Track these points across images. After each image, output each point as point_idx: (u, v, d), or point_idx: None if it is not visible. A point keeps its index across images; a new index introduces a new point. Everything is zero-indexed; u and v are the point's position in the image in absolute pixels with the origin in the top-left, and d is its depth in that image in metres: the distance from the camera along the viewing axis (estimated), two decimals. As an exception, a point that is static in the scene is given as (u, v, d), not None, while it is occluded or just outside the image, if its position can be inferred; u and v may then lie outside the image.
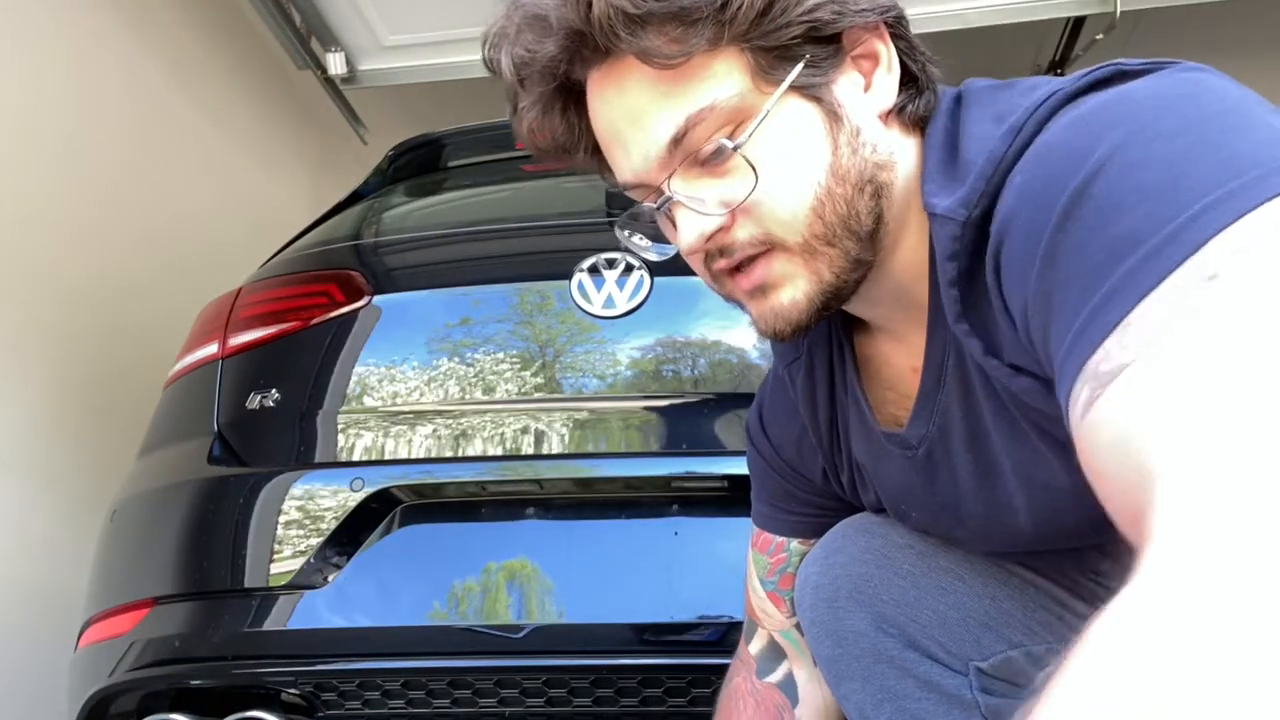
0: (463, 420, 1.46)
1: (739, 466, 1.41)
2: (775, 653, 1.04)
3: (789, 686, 1.03)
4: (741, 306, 0.76)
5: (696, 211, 0.70)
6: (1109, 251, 0.53)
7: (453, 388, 1.49)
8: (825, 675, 0.98)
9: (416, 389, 1.50)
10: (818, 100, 0.70)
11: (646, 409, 1.45)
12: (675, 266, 1.52)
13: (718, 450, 1.39)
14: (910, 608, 0.92)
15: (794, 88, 0.69)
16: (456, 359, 1.50)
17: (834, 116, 0.70)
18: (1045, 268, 0.57)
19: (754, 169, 0.68)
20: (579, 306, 1.46)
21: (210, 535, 1.46)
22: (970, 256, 0.67)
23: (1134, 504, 0.46)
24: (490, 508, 1.43)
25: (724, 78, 0.68)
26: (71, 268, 2.55)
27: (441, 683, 1.35)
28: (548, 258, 1.59)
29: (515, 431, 1.45)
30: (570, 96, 0.74)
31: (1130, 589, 0.39)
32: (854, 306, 0.80)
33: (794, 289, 0.71)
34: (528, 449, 1.44)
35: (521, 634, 1.30)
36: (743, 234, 0.70)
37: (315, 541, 1.39)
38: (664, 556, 1.32)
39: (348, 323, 1.54)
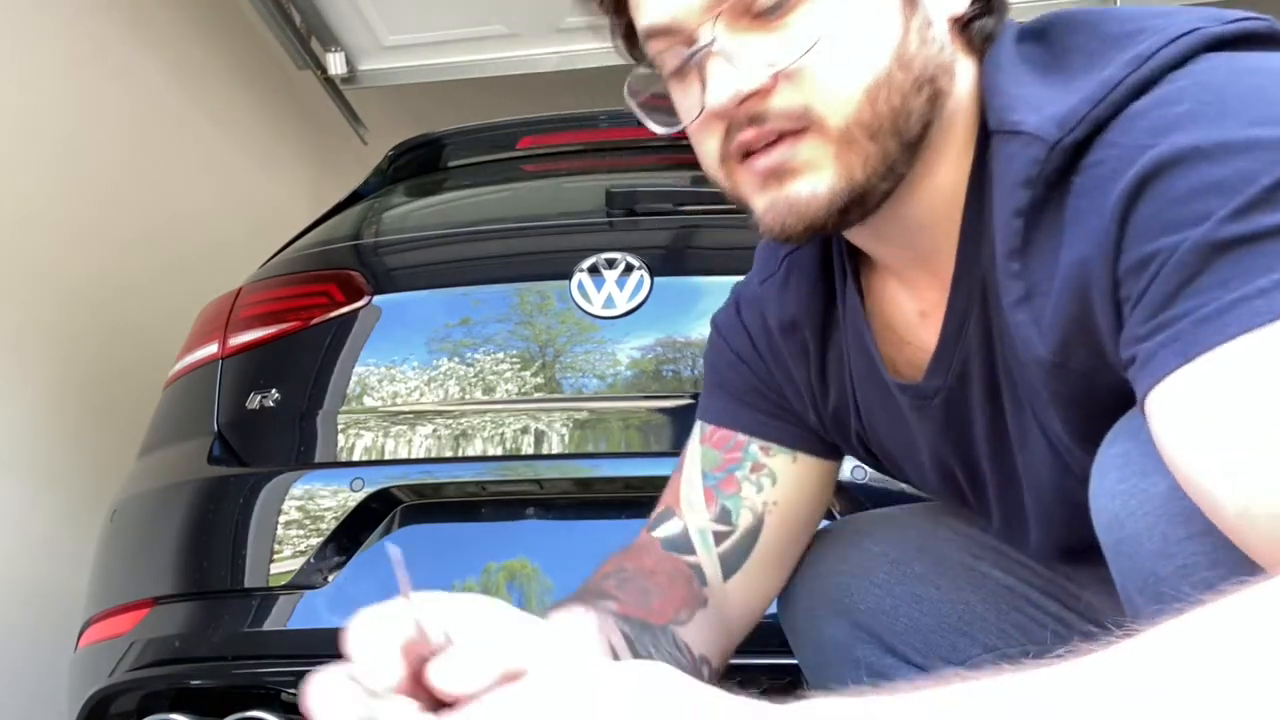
0: (463, 420, 1.46)
1: (739, 466, 1.41)
2: (683, 545, 0.87)
3: (697, 571, 0.87)
4: (744, 205, 0.68)
5: (735, 67, 0.61)
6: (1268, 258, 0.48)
7: (453, 388, 1.49)
8: (809, 680, 0.98)
9: (416, 389, 1.50)
10: None
11: (646, 409, 1.45)
12: (675, 267, 1.53)
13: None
14: (886, 615, 0.92)
15: None
16: (456, 359, 1.49)
17: (909, 1, 0.63)
18: (1236, 218, 0.50)
19: (817, 26, 0.60)
20: (579, 306, 1.46)
21: (210, 535, 1.46)
22: (1046, 186, 0.60)
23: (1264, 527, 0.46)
24: (490, 508, 1.43)
25: None
26: (71, 267, 2.55)
27: (441, 683, 1.35)
28: (548, 258, 1.59)
29: (515, 431, 1.45)
30: None
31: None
32: (861, 238, 0.73)
33: (816, 179, 0.63)
34: (528, 449, 1.44)
35: (521, 634, 1.30)
36: (781, 102, 0.62)
37: (315, 541, 1.39)
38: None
39: (348, 323, 1.54)
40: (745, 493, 0.86)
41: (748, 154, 0.64)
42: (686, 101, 0.66)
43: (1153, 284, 0.53)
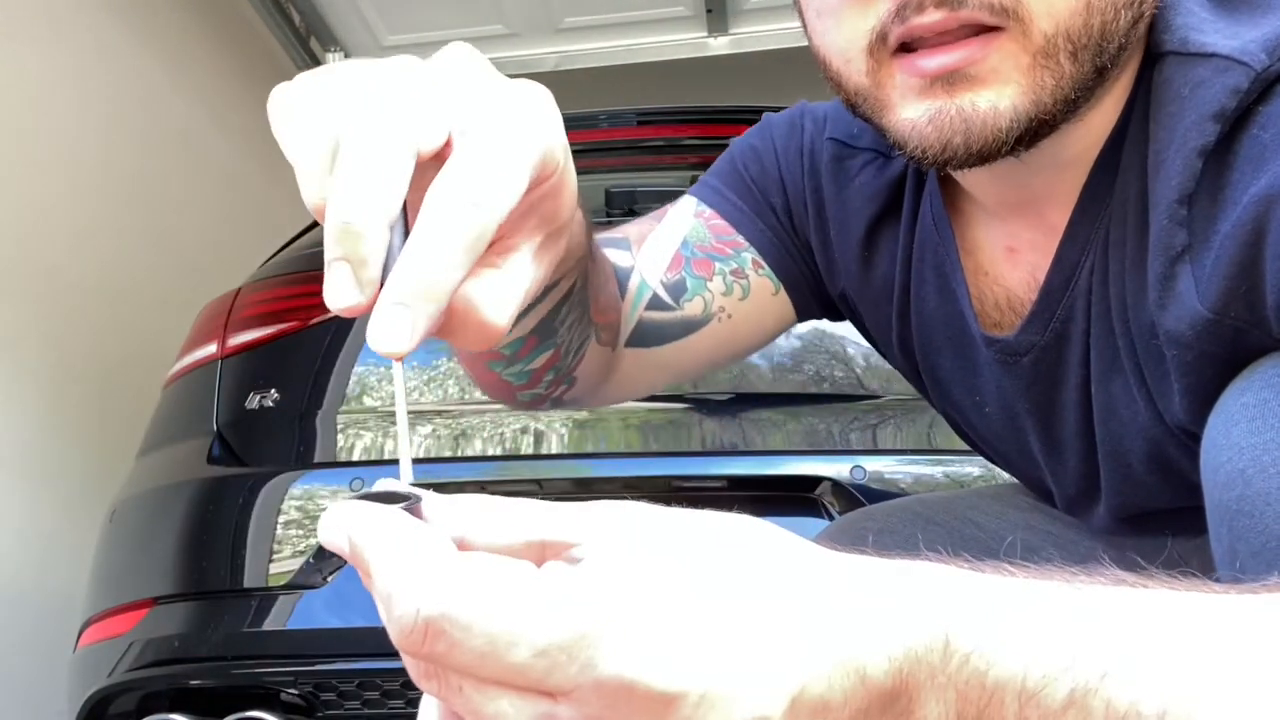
0: (462, 420, 1.46)
1: (739, 467, 1.41)
2: (620, 274, 0.75)
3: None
4: (878, 110, 0.57)
5: None
6: None
7: (452, 388, 1.49)
8: None
9: (416, 389, 1.50)
10: None
11: (646, 409, 1.45)
12: (675, 266, 1.53)
13: (718, 450, 1.39)
14: None
15: None
16: (456, 359, 1.50)
17: None
18: None
19: None
20: (578, 306, 1.46)
21: (210, 535, 1.46)
22: (1238, 121, 0.51)
23: None
24: (490, 508, 1.43)
25: None
26: (71, 267, 2.55)
27: (441, 683, 1.35)
28: (547, 258, 1.58)
29: (515, 431, 1.45)
30: None
31: None
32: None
33: (999, 94, 0.53)
34: (527, 449, 1.44)
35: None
36: None
37: (314, 541, 1.39)
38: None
39: (347, 323, 1.54)
40: (713, 285, 0.76)
41: (908, 48, 0.54)
42: None
43: None
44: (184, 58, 3.09)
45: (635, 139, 1.99)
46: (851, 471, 1.30)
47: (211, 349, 1.63)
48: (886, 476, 1.34)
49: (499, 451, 1.44)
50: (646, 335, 0.75)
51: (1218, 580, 0.40)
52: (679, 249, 0.76)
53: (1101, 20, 0.53)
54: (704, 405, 1.43)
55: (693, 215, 0.78)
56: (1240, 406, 0.53)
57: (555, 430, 1.44)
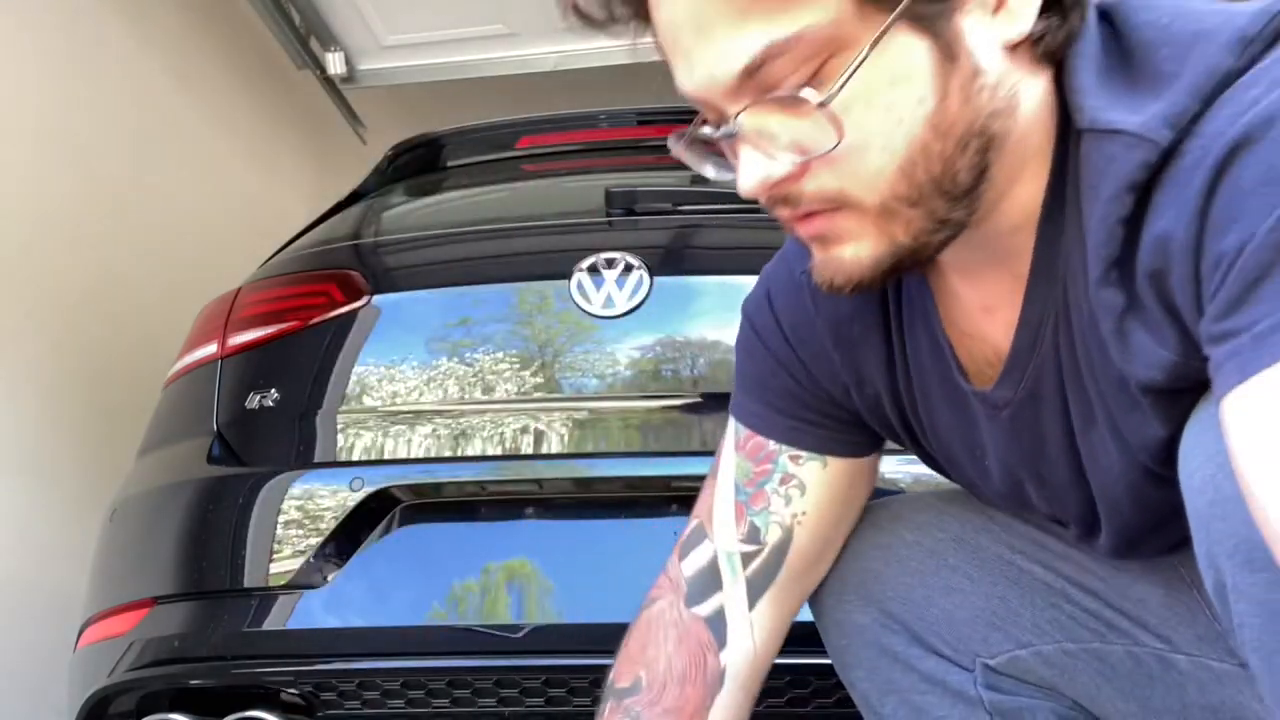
0: (462, 420, 1.46)
1: (738, 466, 1.41)
2: (711, 579, 0.87)
3: (717, 624, 0.87)
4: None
5: (763, 154, 0.59)
6: None
7: (452, 388, 1.48)
8: (833, 661, 0.96)
9: (416, 389, 1.49)
10: (932, 35, 0.56)
11: (646, 409, 1.45)
12: (675, 266, 1.53)
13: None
14: (916, 605, 0.91)
15: (906, 17, 0.55)
16: (456, 359, 1.49)
17: (949, 55, 0.57)
18: (1270, 242, 0.48)
19: (839, 127, 0.56)
20: (578, 306, 1.46)
21: (210, 535, 1.46)
22: (1148, 192, 0.55)
23: None
24: (489, 508, 1.43)
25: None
26: (71, 267, 2.55)
27: (441, 683, 1.35)
28: (547, 257, 1.58)
29: (515, 431, 1.45)
30: None
31: None
32: None
33: (858, 246, 0.61)
34: (527, 449, 1.44)
35: (521, 634, 1.30)
36: (812, 186, 0.59)
37: (314, 541, 1.39)
38: (664, 556, 1.32)
39: (347, 323, 1.54)
40: (774, 507, 0.85)
41: (791, 220, 0.63)
42: (733, 163, 0.63)
43: (1224, 284, 0.51)
44: (184, 58, 3.09)
45: (635, 139, 1.98)
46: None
47: (211, 349, 1.63)
48: (887, 476, 1.34)
49: (499, 451, 1.44)
50: (758, 584, 0.86)
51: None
52: (735, 499, 0.86)
53: (929, 175, 0.58)
54: (706, 405, 1.43)
55: (734, 451, 0.87)
56: (1209, 415, 0.56)
57: (555, 430, 1.44)
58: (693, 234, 1.58)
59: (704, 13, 0.57)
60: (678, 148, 0.66)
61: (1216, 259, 0.52)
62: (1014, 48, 0.59)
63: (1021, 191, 0.63)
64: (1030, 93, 0.61)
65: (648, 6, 0.61)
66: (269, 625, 1.37)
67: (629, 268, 1.46)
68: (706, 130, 0.62)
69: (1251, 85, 0.52)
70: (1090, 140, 0.58)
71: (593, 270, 1.47)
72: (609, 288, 1.46)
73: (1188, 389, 0.60)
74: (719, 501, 0.87)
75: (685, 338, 1.45)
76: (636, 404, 1.45)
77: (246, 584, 1.40)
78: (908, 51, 0.56)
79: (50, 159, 2.52)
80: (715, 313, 1.46)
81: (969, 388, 0.74)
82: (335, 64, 2.88)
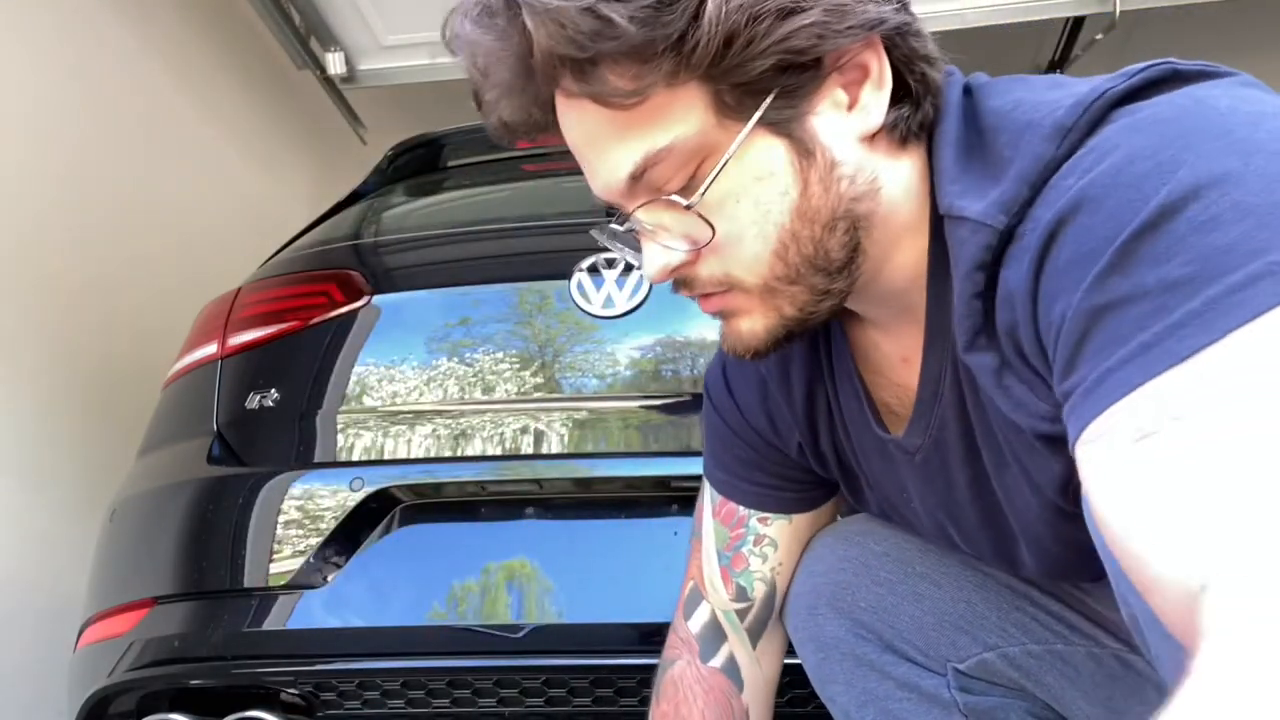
0: (462, 420, 1.46)
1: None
2: (716, 633, 0.99)
3: (732, 670, 0.99)
4: None
5: (661, 245, 0.68)
6: (1171, 292, 0.49)
7: (452, 388, 1.49)
8: (811, 678, 0.99)
9: (416, 389, 1.49)
10: (788, 136, 0.64)
11: (646, 409, 1.45)
12: (675, 266, 1.53)
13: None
14: (886, 613, 0.94)
15: (762, 123, 0.63)
16: (456, 359, 1.49)
17: (805, 153, 0.64)
18: (1099, 284, 0.53)
19: (710, 224, 0.65)
20: (578, 306, 1.46)
21: (210, 535, 1.46)
22: (997, 266, 0.62)
23: (1173, 596, 0.46)
24: (490, 508, 1.43)
25: (684, 114, 0.62)
26: (71, 267, 2.55)
27: (441, 683, 1.35)
28: (547, 258, 1.59)
29: (515, 431, 1.45)
30: (539, 98, 0.68)
31: (1188, 693, 0.40)
32: None
33: (751, 320, 0.70)
34: (527, 449, 1.44)
35: (521, 634, 1.30)
36: (705, 271, 0.68)
37: (314, 541, 1.39)
38: (664, 556, 1.32)
39: (347, 323, 1.54)
40: (754, 566, 0.96)
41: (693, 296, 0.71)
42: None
43: (1057, 351, 0.57)
44: (184, 57, 3.09)
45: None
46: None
47: (211, 349, 1.63)
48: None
49: (499, 451, 1.44)
50: (756, 629, 0.99)
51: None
52: (719, 565, 0.97)
53: (802, 256, 0.66)
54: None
55: (711, 518, 0.98)
56: None
57: (555, 430, 1.44)
58: (693, 234, 1.58)
59: (593, 133, 0.65)
60: (601, 238, 0.77)
61: (1048, 329, 0.58)
62: (871, 138, 0.66)
63: (901, 258, 0.70)
64: (894, 175, 0.67)
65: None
66: (269, 625, 1.37)
67: (629, 268, 1.46)
68: (614, 226, 0.73)
69: (1068, 174, 0.57)
70: (949, 224, 0.65)
71: (593, 270, 1.47)
72: (609, 288, 1.46)
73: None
74: (706, 565, 0.99)
75: (685, 338, 1.45)
76: (636, 404, 1.45)
77: (246, 584, 1.40)
78: (768, 152, 0.64)
79: (50, 159, 2.52)
80: (715, 313, 1.46)
81: (886, 435, 0.81)
82: (335, 64, 2.88)
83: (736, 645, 0.99)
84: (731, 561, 0.97)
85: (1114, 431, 0.51)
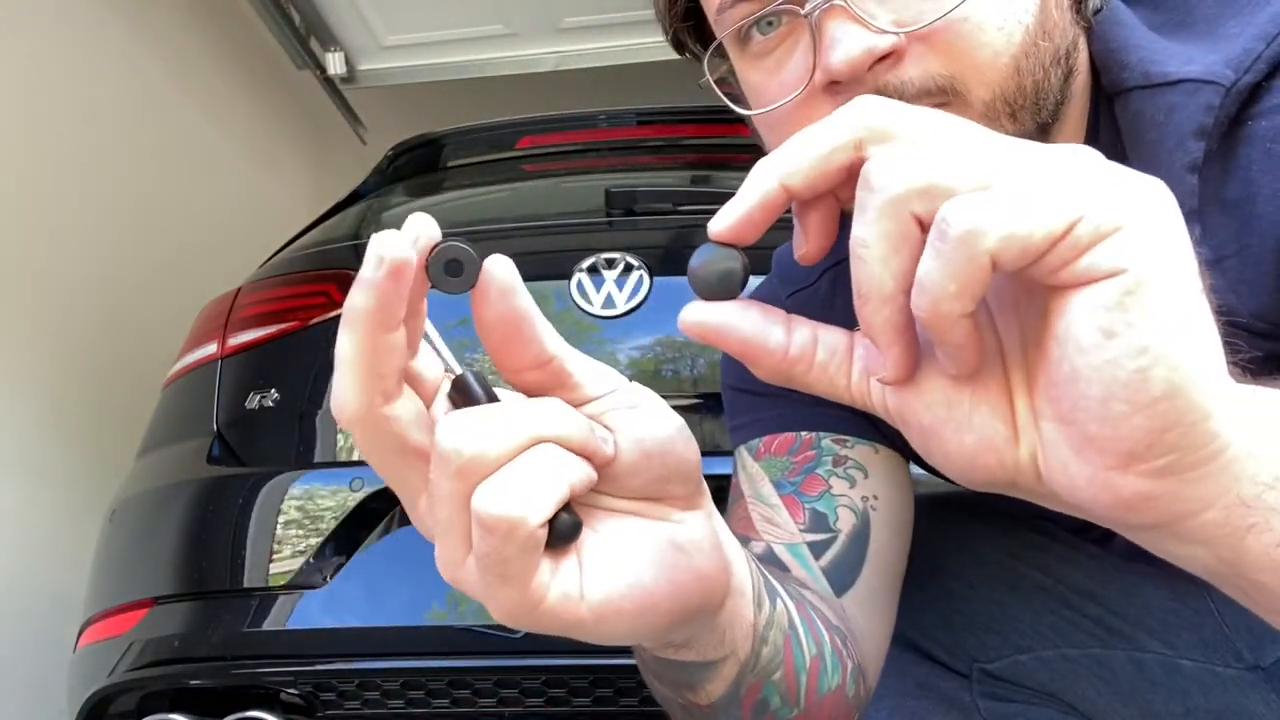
0: (462, 420, 1.46)
1: (738, 466, 1.41)
2: (770, 570, 0.65)
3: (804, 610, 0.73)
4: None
5: (863, 24, 0.53)
6: None
7: (452, 388, 1.48)
8: None
9: (416, 389, 1.49)
10: None
11: (646, 409, 1.45)
12: (675, 266, 1.53)
13: (718, 450, 1.38)
14: (913, 610, 0.90)
15: None
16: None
17: None
18: None
19: None
20: (578, 306, 1.46)
21: (209, 535, 1.46)
22: (1222, 136, 0.53)
23: None
24: (490, 508, 1.43)
25: None
26: (71, 268, 2.55)
27: (441, 683, 1.35)
28: (547, 257, 1.58)
29: (515, 431, 1.44)
30: None
31: None
32: None
33: None
34: (527, 449, 1.44)
35: (521, 634, 1.30)
36: (917, 71, 0.54)
37: (314, 541, 1.39)
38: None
39: (347, 323, 1.54)
40: (837, 489, 0.71)
41: None
42: (782, 76, 0.58)
43: None
44: (184, 58, 3.09)
45: (635, 139, 1.99)
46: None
47: (211, 349, 1.63)
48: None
49: (499, 451, 1.44)
50: (841, 576, 0.68)
51: None
52: (780, 494, 0.70)
53: (1034, 80, 0.55)
54: (706, 405, 1.43)
55: (754, 462, 0.74)
56: None
57: (555, 430, 1.44)
58: (693, 234, 1.58)
59: None
60: (710, 75, 0.61)
61: None
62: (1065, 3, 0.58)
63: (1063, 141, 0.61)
64: (1078, 46, 0.60)
65: None
66: (269, 625, 1.37)
67: (629, 268, 1.46)
68: (789, 11, 0.56)
69: None
70: (1143, 97, 0.56)
71: (593, 270, 1.47)
72: (609, 288, 1.46)
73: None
74: (755, 511, 0.71)
75: (685, 338, 1.45)
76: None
77: (246, 584, 1.40)
78: None
79: (50, 159, 2.52)
80: (715, 313, 1.46)
81: None
82: (335, 64, 2.89)
83: (808, 581, 0.67)
84: (801, 486, 0.71)
85: None
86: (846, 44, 0.53)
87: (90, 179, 2.65)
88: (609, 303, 1.45)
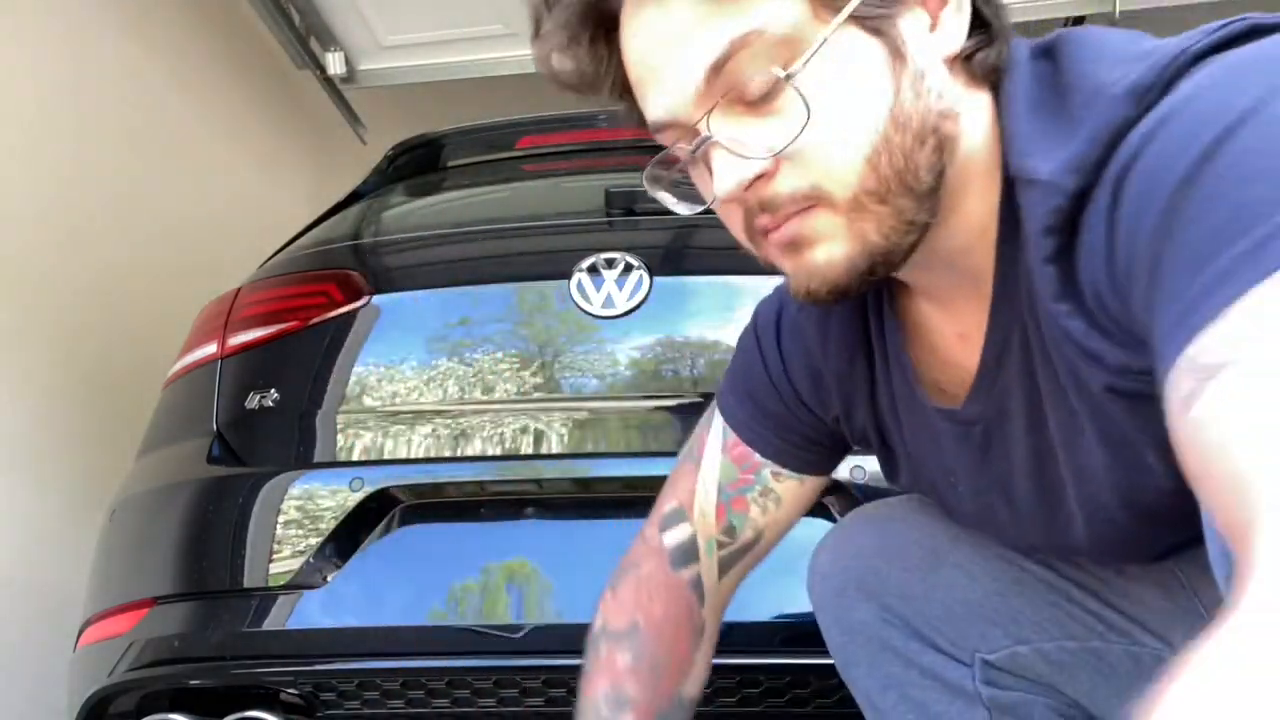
0: (462, 420, 1.46)
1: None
2: (690, 554, 0.95)
3: (697, 587, 0.95)
4: (778, 270, 0.70)
5: (737, 155, 0.63)
6: (1229, 222, 0.47)
7: (452, 388, 1.49)
8: (834, 659, 0.99)
9: (416, 389, 1.49)
10: (879, 34, 0.62)
11: (646, 409, 1.45)
12: (675, 266, 1.53)
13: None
14: (916, 600, 0.93)
15: (854, 18, 0.61)
16: (456, 359, 1.49)
17: (897, 54, 0.62)
18: (1160, 227, 0.51)
19: (806, 104, 0.60)
20: (578, 306, 1.46)
21: (209, 535, 1.46)
22: (1071, 230, 0.59)
23: (1234, 521, 0.44)
24: (489, 508, 1.43)
25: (778, 1, 0.60)
26: (71, 268, 2.55)
27: (440, 683, 1.35)
28: (547, 257, 1.59)
29: (514, 431, 1.45)
30: (601, 26, 0.66)
31: (1231, 623, 0.38)
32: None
33: (831, 247, 0.64)
34: (527, 449, 1.44)
35: (520, 634, 1.30)
36: (786, 186, 0.63)
37: (314, 541, 1.39)
38: (663, 556, 1.32)
39: (347, 323, 1.54)
40: (752, 514, 0.93)
41: (768, 230, 0.66)
42: (704, 187, 0.68)
43: (1134, 287, 0.55)
44: (184, 57, 3.09)
45: (635, 139, 1.98)
46: (851, 472, 1.30)
47: (211, 349, 1.63)
48: (886, 476, 1.34)
49: (499, 451, 1.44)
50: (726, 564, 0.95)
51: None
52: (718, 500, 0.94)
53: (894, 169, 0.62)
54: (706, 405, 1.43)
55: (720, 453, 0.94)
56: None
57: (555, 430, 1.44)
58: (693, 234, 1.58)
59: (676, 25, 0.62)
60: (650, 185, 0.72)
61: (1124, 271, 0.55)
62: (950, 63, 0.64)
63: (971, 206, 0.66)
64: (971, 108, 0.65)
65: (619, 61, 0.67)
66: (269, 625, 1.37)
67: (629, 268, 1.46)
68: (681, 147, 0.66)
69: (1147, 123, 0.56)
70: (1020, 186, 0.63)
71: (593, 270, 1.47)
72: (609, 288, 1.46)
73: None
74: (701, 494, 0.95)
75: (685, 338, 1.45)
76: (636, 404, 1.45)
77: (246, 584, 1.40)
78: (862, 48, 0.61)
79: (50, 159, 2.52)
80: (715, 313, 1.46)
81: (941, 406, 0.77)
82: (335, 64, 2.88)
83: (706, 570, 0.96)
84: (732, 501, 0.93)
85: (1192, 368, 0.48)
86: (724, 177, 0.64)
87: (90, 179, 2.65)
88: (609, 303, 1.45)
